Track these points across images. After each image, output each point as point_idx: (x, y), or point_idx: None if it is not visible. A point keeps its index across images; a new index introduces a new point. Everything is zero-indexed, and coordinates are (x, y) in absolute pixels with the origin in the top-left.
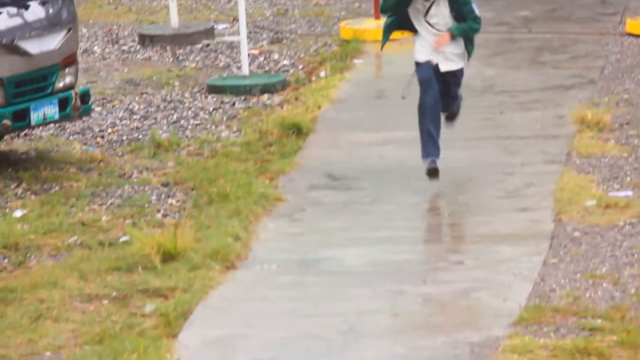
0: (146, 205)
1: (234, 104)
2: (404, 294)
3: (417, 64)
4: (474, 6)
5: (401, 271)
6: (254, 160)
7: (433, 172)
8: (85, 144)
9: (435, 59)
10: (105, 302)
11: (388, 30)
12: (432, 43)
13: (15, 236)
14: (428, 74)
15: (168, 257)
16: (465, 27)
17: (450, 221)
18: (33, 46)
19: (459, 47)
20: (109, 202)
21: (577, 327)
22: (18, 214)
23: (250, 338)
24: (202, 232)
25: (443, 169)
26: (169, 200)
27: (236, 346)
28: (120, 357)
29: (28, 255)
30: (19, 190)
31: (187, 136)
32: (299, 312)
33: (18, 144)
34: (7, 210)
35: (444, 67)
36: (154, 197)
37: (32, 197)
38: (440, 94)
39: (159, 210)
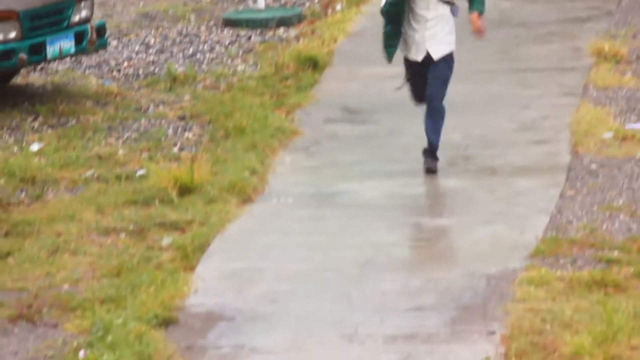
0: (163, 138)
1: (250, 37)
2: (420, 226)
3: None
4: None
5: (417, 204)
6: (270, 94)
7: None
8: (101, 77)
9: (423, 53)
10: (123, 235)
11: (390, 41)
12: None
13: (32, 170)
14: (421, 97)
15: (185, 190)
16: None
17: (466, 153)
18: None
19: (450, 33)
20: (125, 136)
21: (594, 259)
22: (35, 147)
23: (267, 271)
24: (219, 166)
25: (460, 101)
26: (186, 134)
27: (253, 279)
28: (137, 290)
29: (45, 188)
30: (36, 124)
31: (203, 70)
32: (316, 245)
33: (34, 77)
34: (24, 143)
35: (437, 54)
36: (170, 131)
37: (49, 130)
38: (427, 82)
39: (175, 144)
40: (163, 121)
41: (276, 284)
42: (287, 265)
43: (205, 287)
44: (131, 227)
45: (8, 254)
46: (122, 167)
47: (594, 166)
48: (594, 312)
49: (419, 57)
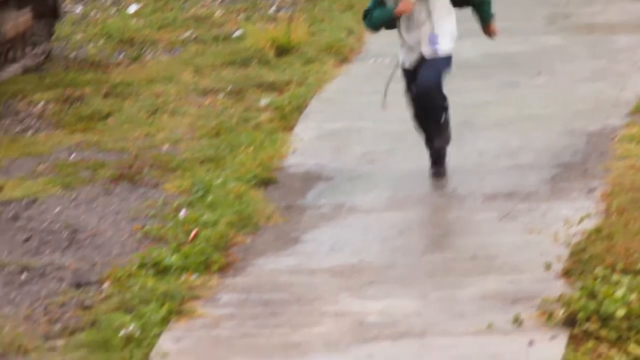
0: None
1: None
2: (518, 85)
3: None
4: None
5: (516, 62)
6: None
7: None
8: None
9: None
10: (221, 96)
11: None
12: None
13: (130, 31)
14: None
15: (282, 51)
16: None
17: (565, 11)
18: None
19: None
20: None
21: None
22: (132, 9)
23: (365, 130)
24: (316, 26)
25: None
26: None
27: (351, 138)
28: (236, 150)
29: (143, 50)
30: None
31: None
32: None
33: None
34: (122, 5)
35: (428, 53)
36: None
37: None
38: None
39: (272, 5)
40: None
41: (374, 144)
42: (385, 125)
43: (304, 147)
44: (229, 88)
45: (108, 115)
46: (219, 29)
47: None
48: None
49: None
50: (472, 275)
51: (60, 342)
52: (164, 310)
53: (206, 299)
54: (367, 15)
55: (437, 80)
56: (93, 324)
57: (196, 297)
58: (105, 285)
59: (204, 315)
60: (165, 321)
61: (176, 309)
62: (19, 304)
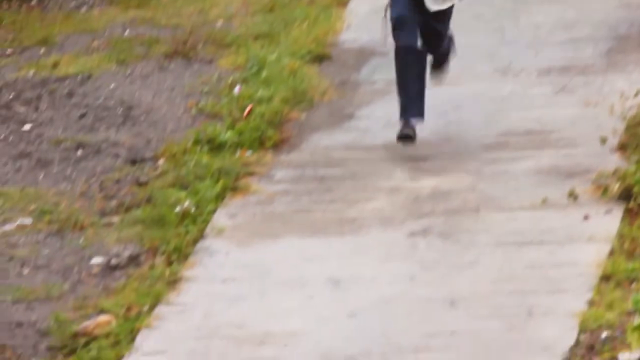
0: None
1: None
2: None
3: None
4: None
5: None
6: None
7: (406, 138)
8: None
9: None
10: None
11: None
12: None
13: None
14: (403, 11)
15: None
16: None
17: None
18: None
19: None
20: None
21: None
22: None
23: None
24: None
25: None
26: None
27: None
28: (290, 26)
29: None
30: None
31: None
32: None
33: None
34: None
35: (434, 7)
36: None
37: None
38: (423, 35)
39: None
40: None
41: None
42: None
43: (358, 22)
44: None
45: None
46: None
47: None
48: None
49: None
50: (526, 149)
51: (115, 218)
52: (218, 187)
53: (261, 175)
54: None
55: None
56: (148, 200)
57: (251, 174)
58: (161, 161)
59: (258, 192)
60: (220, 197)
61: (231, 185)
62: (75, 180)
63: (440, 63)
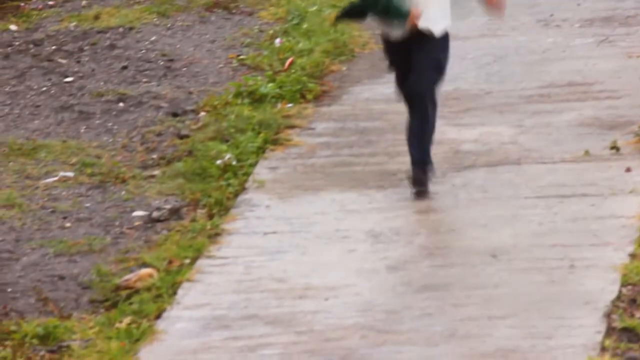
0: None
1: None
2: None
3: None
4: None
5: None
6: None
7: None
8: None
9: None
10: None
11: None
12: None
13: None
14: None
15: None
16: None
17: None
18: None
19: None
20: None
21: None
22: None
23: None
24: None
25: None
26: None
27: None
28: None
29: None
30: None
31: None
32: None
33: None
34: None
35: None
36: None
37: None
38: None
39: None
40: None
41: None
42: None
43: None
44: None
45: None
46: None
47: None
48: None
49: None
50: (568, 101)
51: (157, 171)
52: (259, 140)
53: (301, 128)
54: None
55: (434, 83)
56: (189, 153)
57: (291, 126)
58: (202, 114)
59: (299, 144)
60: (260, 150)
61: (272, 137)
62: (117, 132)
63: (421, 181)
